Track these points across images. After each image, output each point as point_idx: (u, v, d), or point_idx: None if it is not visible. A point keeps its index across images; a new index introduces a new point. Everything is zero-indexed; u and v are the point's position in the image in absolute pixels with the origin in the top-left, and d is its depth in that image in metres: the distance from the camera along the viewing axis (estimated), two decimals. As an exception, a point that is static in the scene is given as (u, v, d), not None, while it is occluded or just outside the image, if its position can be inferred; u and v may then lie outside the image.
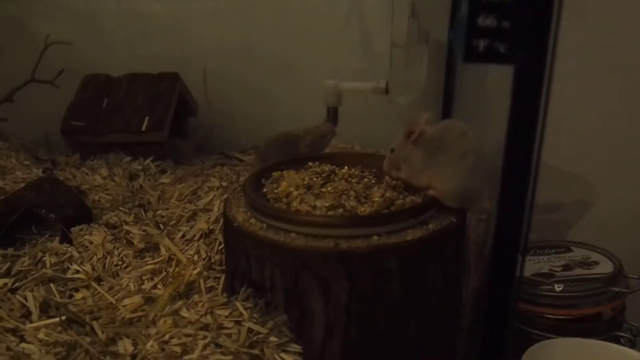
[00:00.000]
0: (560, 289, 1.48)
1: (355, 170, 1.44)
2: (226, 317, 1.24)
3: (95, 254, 1.51)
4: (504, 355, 1.34)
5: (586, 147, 1.77)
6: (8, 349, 1.17)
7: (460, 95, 1.79)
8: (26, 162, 2.12)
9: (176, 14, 2.48)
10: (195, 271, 1.40)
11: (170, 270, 1.44)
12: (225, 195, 1.53)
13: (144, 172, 2.10)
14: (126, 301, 1.33)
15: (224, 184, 1.92)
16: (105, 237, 1.58)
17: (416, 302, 1.19)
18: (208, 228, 1.59)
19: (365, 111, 2.17)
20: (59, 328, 1.23)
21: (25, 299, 1.32)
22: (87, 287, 1.41)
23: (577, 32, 1.41)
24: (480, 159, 1.22)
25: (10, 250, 1.51)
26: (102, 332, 1.22)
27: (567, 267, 1.57)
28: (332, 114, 2.01)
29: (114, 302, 1.34)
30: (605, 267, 1.55)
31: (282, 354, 1.16)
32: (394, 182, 1.34)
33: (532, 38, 0.82)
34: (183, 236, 1.58)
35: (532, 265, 1.57)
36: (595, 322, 1.48)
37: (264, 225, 1.22)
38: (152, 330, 1.22)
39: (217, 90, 2.48)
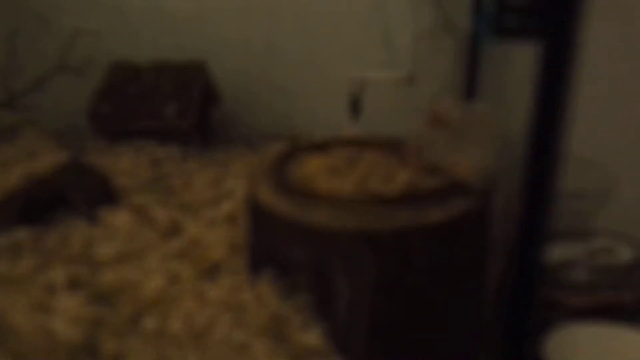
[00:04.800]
0: (584, 275, 1.48)
1: (380, 155, 1.44)
2: (250, 296, 1.25)
3: (121, 235, 1.53)
4: (527, 340, 1.34)
5: (612, 136, 1.76)
6: (36, 323, 1.20)
7: (484, 84, 1.79)
8: (54, 147, 2.15)
9: (201, 11, 2.50)
10: (220, 252, 1.41)
11: (195, 251, 1.46)
12: (252, 177, 1.54)
13: (169, 158, 2.12)
14: (151, 280, 1.35)
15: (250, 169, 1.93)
16: (131, 219, 1.60)
17: (441, 281, 1.19)
18: (233, 212, 1.60)
19: (389, 101, 2.17)
20: (86, 304, 1.25)
21: (53, 275, 1.34)
22: (113, 266, 1.43)
23: (608, 23, 1.41)
24: (503, 142, 1.23)
25: (39, 230, 1.54)
26: (128, 308, 1.24)
27: (590, 255, 1.56)
28: (356, 104, 2.01)
29: (139, 280, 1.36)
30: (629, 254, 1.55)
31: (306, 333, 1.17)
32: (419, 165, 1.34)
33: (562, 16, 0.83)
34: (208, 219, 1.60)
35: (556, 252, 1.56)
36: (618, 308, 1.48)
37: (290, 205, 1.23)
38: (177, 308, 1.24)
39: (241, 84, 2.50)
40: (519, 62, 1.62)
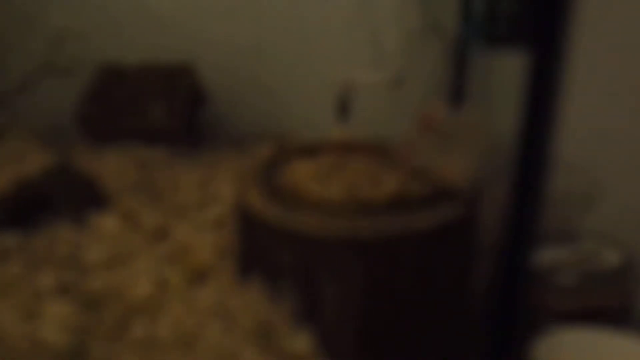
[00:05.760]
0: (572, 279, 1.49)
1: (369, 160, 1.44)
2: (238, 301, 1.25)
3: (108, 239, 1.52)
4: (515, 344, 1.35)
5: (599, 140, 1.77)
6: (24, 329, 1.19)
7: (472, 88, 1.79)
8: (41, 150, 2.14)
9: (188, 12, 2.49)
10: (208, 257, 1.41)
11: (183, 255, 1.45)
12: (240, 182, 1.54)
13: (156, 160, 2.10)
14: (139, 285, 1.34)
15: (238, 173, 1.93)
16: (119, 222, 1.59)
17: (428, 287, 1.20)
18: (221, 215, 1.59)
19: (376, 103, 2.17)
20: (74, 309, 1.24)
21: (41, 281, 1.33)
22: (100, 271, 1.42)
23: (597, 30, 1.41)
24: (491, 146, 1.23)
25: (26, 234, 1.52)
26: (116, 314, 1.24)
27: (578, 259, 1.57)
28: (344, 107, 2.01)
29: (127, 285, 1.35)
30: (616, 259, 1.56)
31: (294, 339, 1.17)
32: (407, 170, 1.35)
33: (551, 23, 0.83)
34: (196, 223, 1.59)
35: (544, 256, 1.57)
36: (606, 312, 1.49)
37: (278, 211, 1.22)
38: (165, 314, 1.23)
39: (228, 85, 2.50)
40: (507, 67, 1.63)
